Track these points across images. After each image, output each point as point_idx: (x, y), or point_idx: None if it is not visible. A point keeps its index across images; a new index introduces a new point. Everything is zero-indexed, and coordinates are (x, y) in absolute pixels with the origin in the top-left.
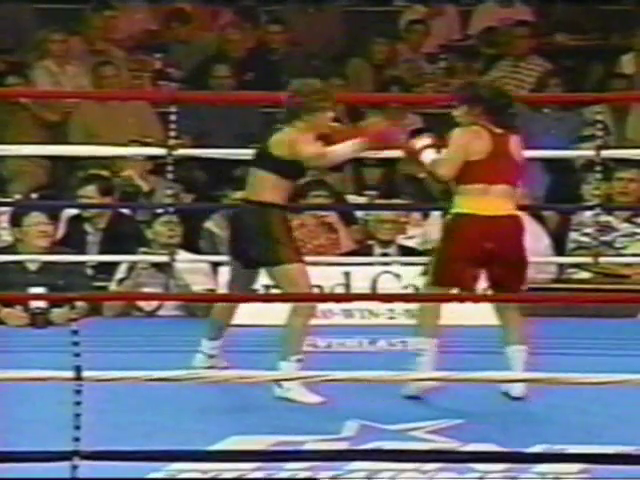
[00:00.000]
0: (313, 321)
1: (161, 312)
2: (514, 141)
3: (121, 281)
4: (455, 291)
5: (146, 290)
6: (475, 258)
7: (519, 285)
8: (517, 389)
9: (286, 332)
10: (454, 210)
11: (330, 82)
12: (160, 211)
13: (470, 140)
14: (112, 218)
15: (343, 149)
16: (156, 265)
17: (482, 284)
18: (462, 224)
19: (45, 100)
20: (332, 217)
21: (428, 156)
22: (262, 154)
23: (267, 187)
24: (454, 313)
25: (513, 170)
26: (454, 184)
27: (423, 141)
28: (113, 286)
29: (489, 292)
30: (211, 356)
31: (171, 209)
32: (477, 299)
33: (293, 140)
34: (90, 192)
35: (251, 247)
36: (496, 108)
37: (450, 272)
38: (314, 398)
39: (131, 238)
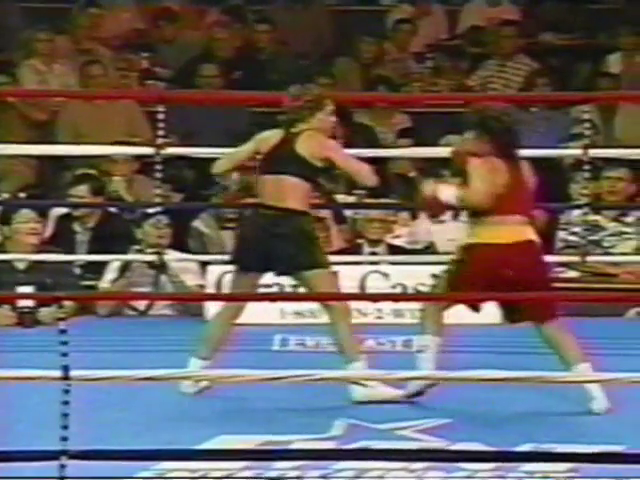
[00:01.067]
0: (301, 320)
1: (153, 311)
2: (525, 168)
3: (114, 281)
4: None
5: (138, 289)
6: (492, 286)
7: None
8: (598, 404)
9: (337, 338)
10: (470, 240)
11: (318, 82)
12: (149, 211)
13: (492, 172)
14: (101, 218)
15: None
16: (148, 264)
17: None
18: (478, 254)
19: (32, 99)
20: (325, 214)
21: (449, 192)
22: (291, 161)
23: (299, 195)
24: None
25: (528, 200)
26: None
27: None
28: (105, 285)
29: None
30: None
31: (160, 209)
32: (464, 299)
33: (324, 146)
34: (82, 192)
35: (289, 253)
36: (503, 142)
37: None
38: (396, 391)
39: (120, 238)
